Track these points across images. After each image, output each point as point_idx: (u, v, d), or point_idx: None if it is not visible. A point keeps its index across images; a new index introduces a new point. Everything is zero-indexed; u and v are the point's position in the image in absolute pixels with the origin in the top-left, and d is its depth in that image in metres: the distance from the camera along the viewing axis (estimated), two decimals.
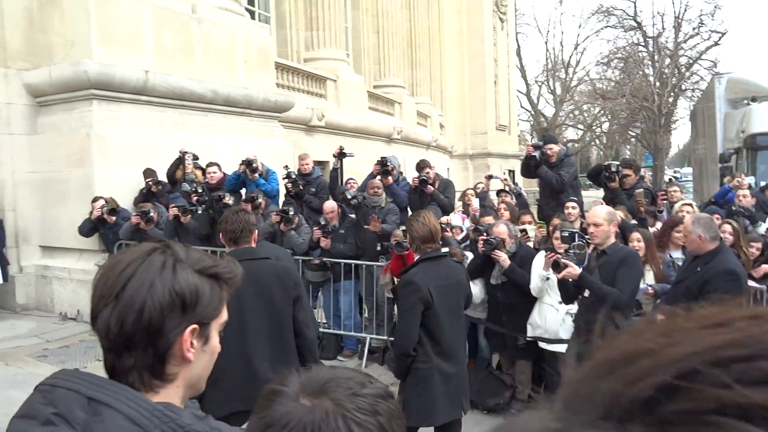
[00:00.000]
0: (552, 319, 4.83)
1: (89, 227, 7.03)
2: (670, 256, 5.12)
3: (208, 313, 0.98)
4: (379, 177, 6.84)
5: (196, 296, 0.96)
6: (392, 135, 16.04)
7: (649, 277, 4.78)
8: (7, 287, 7.58)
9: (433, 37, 21.18)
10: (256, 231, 3.07)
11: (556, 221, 5.44)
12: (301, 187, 7.22)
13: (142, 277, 0.94)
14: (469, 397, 3.48)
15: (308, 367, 0.80)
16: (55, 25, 7.50)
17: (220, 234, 3.08)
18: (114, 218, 6.83)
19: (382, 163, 7.02)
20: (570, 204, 5.94)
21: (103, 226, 7.00)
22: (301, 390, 0.73)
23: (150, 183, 7.19)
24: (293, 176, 7.25)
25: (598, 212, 4.05)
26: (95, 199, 6.92)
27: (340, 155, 7.54)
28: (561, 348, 4.69)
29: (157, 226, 6.64)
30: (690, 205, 6.24)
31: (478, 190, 7.67)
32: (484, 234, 5.01)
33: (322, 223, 6.27)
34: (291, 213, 6.12)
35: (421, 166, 7.09)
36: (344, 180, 7.75)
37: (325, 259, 6.30)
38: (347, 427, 0.68)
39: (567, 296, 4.35)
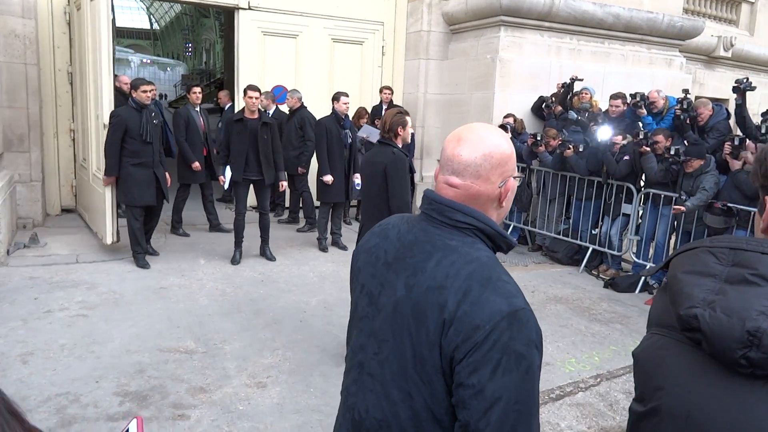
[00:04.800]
0: None
1: None
2: None
3: None
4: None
5: None
6: None
7: None
8: None
9: None
10: None
11: None
12: (688, 122, 6.29)
13: None
14: None
15: None
16: None
17: None
18: (509, 134, 7.22)
19: None
20: None
21: None
22: None
23: (543, 107, 7.35)
24: (686, 105, 6.32)
25: None
26: (507, 116, 7.42)
27: (738, 89, 6.19)
28: None
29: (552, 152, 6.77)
30: None
31: None
32: None
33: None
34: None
35: None
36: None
37: (730, 204, 5.52)
38: None
39: None
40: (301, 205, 7.81)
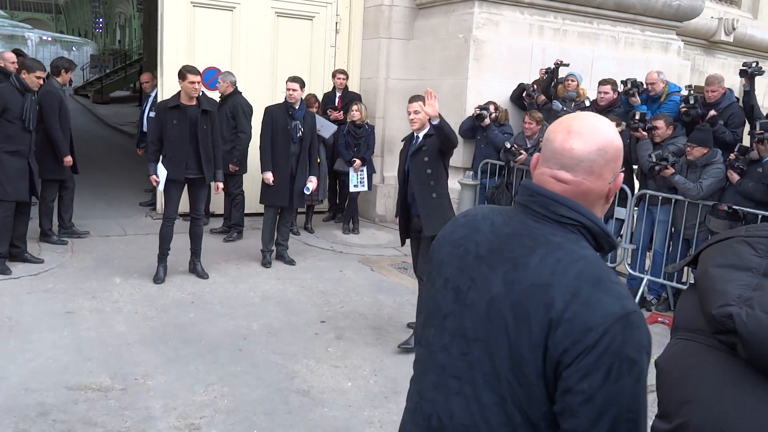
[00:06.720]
0: None
1: (468, 126, 7.68)
2: None
3: None
4: None
5: None
6: None
7: None
8: (369, 196, 8.82)
9: None
10: None
11: None
12: (700, 111, 6.54)
13: None
14: None
15: None
16: None
17: None
18: (487, 122, 7.29)
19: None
20: None
21: (478, 133, 7.60)
22: None
23: (524, 96, 7.50)
24: (692, 100, 6.61)
25: None
26: (487, 104, 7.54)
27: (746, 72, 6.47)
28: None
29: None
30: None
31: None
32: None
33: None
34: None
35: None
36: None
37: (735, 207, 5.72)
38: None
39: None
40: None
